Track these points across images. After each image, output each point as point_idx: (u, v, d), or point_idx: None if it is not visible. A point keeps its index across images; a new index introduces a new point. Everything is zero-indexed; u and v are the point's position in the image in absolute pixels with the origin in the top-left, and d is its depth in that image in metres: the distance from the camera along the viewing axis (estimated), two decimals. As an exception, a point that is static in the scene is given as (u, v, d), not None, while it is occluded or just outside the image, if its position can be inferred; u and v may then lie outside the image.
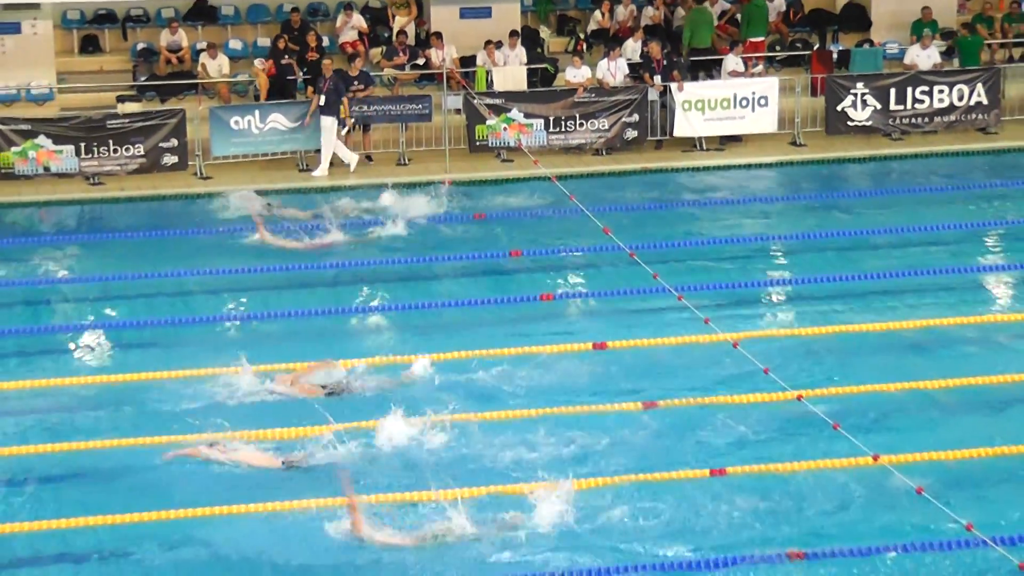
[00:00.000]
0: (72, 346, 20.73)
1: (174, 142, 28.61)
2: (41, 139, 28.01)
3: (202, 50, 31.13)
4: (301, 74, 30.15)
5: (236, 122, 28.96)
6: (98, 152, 28.31)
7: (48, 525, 15.34)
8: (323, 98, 28.50)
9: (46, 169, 28.11)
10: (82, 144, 28.20)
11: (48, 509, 15.73)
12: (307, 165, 29.01)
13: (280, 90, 29.95)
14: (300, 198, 27.45)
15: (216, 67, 30.75)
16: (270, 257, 24.10)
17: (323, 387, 18.44)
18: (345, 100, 28.65)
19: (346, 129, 28.96)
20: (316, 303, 21.96)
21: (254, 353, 19.32)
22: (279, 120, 29.01)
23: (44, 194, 27.74)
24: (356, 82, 29.51)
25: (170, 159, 28.61)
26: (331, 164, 28.74)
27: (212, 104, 29.91)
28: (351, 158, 28.90)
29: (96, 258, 24.64)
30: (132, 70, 31.46)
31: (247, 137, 28.99)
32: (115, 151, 28.32)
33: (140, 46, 31.82)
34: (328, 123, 28.58)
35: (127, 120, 28.68)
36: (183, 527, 15.32)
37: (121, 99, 30.30)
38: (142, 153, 28.48)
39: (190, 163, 28.81)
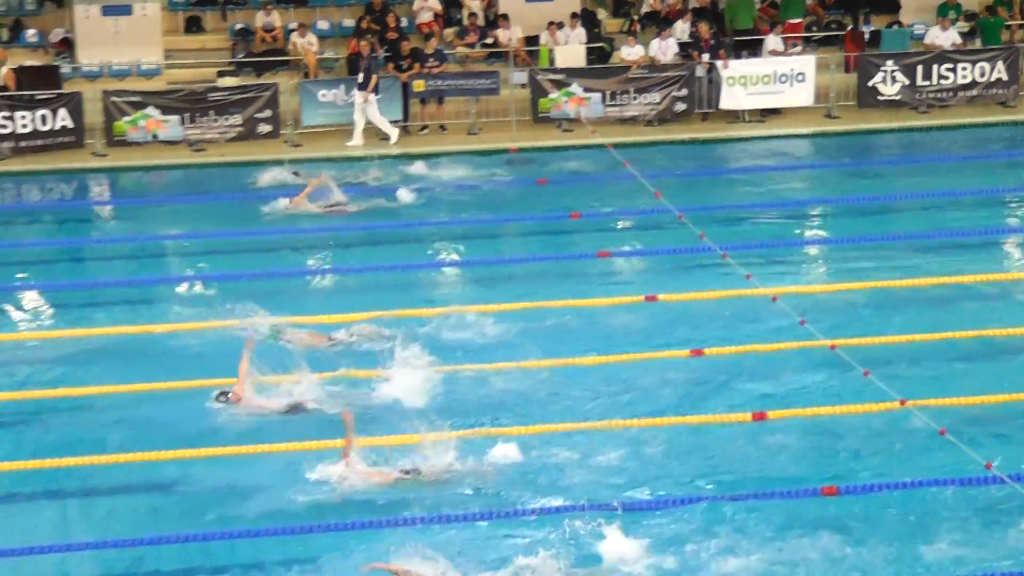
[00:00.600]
0: (172, 296, 20.70)
1: (268, 113, 28.58)
2: (150, 110, 28.05)
3: (293, 30, 31.05)
4: (382, 51, 29.97)
5: (323, 95, 28.92)
6: (200, 121, 28.30)
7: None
8: (360, 76, 28.29)
9: (154, 137, 28.15)
10: (186, 114, 28.21)
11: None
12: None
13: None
14: (378, 164, 27.32)
15: (306, 45, 30.64)
16: (347, 217, 23.98)
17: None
18: (374, 79, 28.24)
19: (374, 103, 28.50)
20: (396, 257, 21.84)
21: (338, 302, 19.29)
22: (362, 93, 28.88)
23: (152, 159, 27.77)
24: (431, 59, 29.37)
25: (264, 128, 28.59)
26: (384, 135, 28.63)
27: (302, 78, 29.83)
28: (392, 131, 28.62)
29: (196, 218, 24.58)
30: (231, 48, 31.40)
31: (333, 108, 28.91)
32: (215, 121, 28.30)
33: (238, 26, 31.76)
34: (360, 98, 28.30)
35: (226, 93, 28.67)
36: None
37: (221, 74, 30.27)
38: (240, 123, 28.45)
39: (282, 132, 28.76)
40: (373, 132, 28.82)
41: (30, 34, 30.91)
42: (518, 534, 13.29)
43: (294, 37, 30.77)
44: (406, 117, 29.35)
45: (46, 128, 27.71)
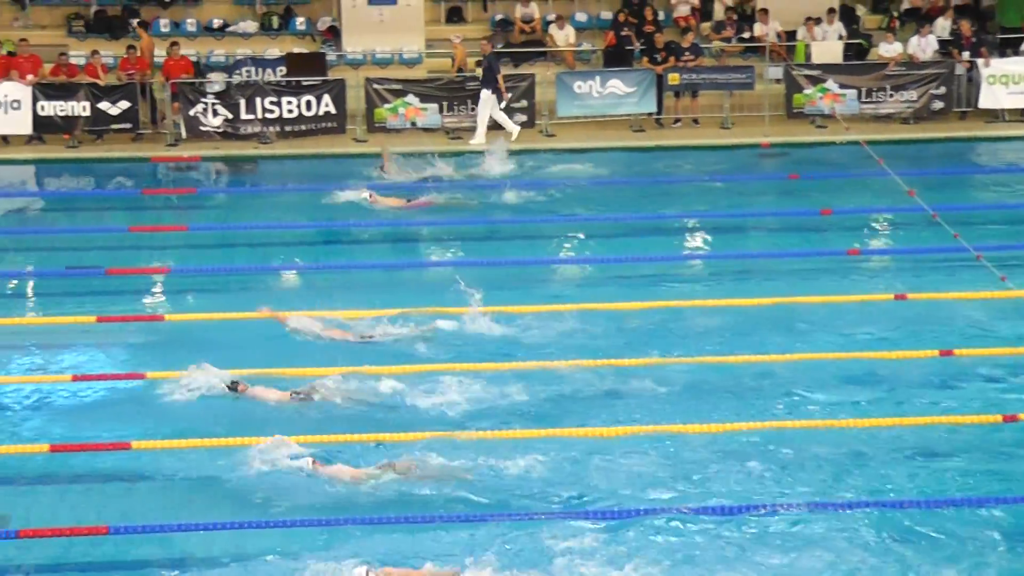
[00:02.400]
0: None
1: (524, 103, 28.91)
2: (410, 97, 28.64)
3: (551, 21, 31.33)
4: (639, 44, 30.06)
5: (579, 86, 29.11)
6: (458, 109, 28.77)
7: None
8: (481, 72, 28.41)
9: (412, 124, 28.71)
10: (444, 103, 28.71)
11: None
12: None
13: (619, 58, 29.93)
14: (627, 156, 27.40)
15: (563, 37, 30.91)
16: (617, 206, 24.14)
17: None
18: (499, 77, 28.19)
19: (504, 104, 28.41)
20: (649, 248, 21.85)
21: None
22: (617, 86, 29.03)
23: (409, 145, 28.30)
24: (687, 52, 29.36)
25: (520, 117, 28.87)
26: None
27: (559, 70, 30.08)
28: (513, 128, 28.49)
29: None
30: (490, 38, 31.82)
31: (588, 100, 29.10)
32: (472, 110, 28.68)
33: (498, 17, 32.18)
34: (484, 95, 28.30)
35: (484, 82, 29.07)
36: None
37: (479, 63, 30.67)
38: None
39: (537, 122, 29.05)
40: (627, 123, 28.96)
41: (299, 22, 31.84)
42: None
43: (552, 29, 31.07)
44: (660, 110, 29.38)
45: (310, 114, 28.51)
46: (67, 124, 28.01)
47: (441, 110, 28.66)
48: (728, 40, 31.06)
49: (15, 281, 20.80)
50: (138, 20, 30.81)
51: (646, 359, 16.93)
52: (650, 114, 29.21)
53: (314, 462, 14.03)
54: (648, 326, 18.20)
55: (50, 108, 27.92)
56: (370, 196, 23.90)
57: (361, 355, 16.81)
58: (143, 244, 22.54)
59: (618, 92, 29.06)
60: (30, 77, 27.82)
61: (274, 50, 30.66)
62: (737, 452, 14.66)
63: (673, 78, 29.11)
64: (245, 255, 21.88)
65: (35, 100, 27.80)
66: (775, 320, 18.42)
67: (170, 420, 15.46)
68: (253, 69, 29.16)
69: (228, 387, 15.83)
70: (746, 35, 30.97)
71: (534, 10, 31.74)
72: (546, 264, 21.46)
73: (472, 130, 28.39)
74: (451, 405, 15.63)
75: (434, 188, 24.78)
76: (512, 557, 12.51)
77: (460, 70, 29.10)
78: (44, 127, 28.09)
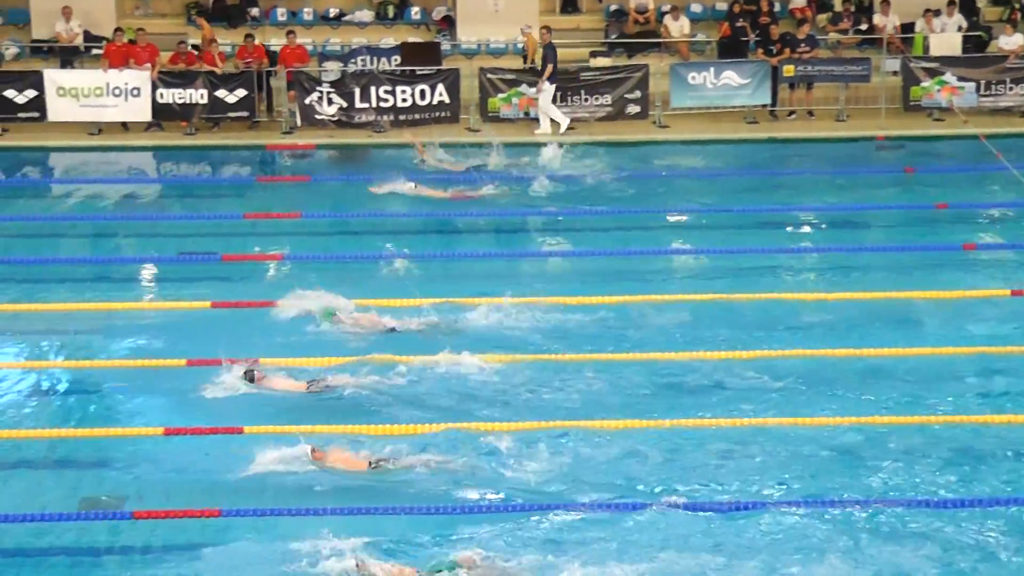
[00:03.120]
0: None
1: (637, 93, 28.84)
2: (523, 87, 28.61)
3: (666, 12, 31.21)
4: (754, 36, 29.85)
5: (693, 77, 28.97)
6: (571, 100, 28.74)
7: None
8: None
9: (526, 114, 28.73)
10: (558, 93, 28.65)
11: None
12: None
13: (734, 50, 29.75)
14: (740, 148, 27.24)
15: (678, 27, 30.79)
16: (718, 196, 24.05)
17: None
18: (549, 68, 28.06)
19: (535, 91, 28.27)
20: (757, 242, 21.75)
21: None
22: (731, 77, 28.85)
23: (521, 136, 28.31)
24: (803, 44, 29.10)
25: (633, 108, 28.85)
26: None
27: (672, 61, 29.97)
28: (563, 120, 28.34)
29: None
30: (604, 29, 31.78)
31: (702, 91, 28.95)
32: (586, 100, 28.70)
33: (612, 7, 32.11)
34: (546, 87, 28.16)
35: (598, 73, 29.07)
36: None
37: (594, 54, 30.68)
38: (609, 103, 28.80)
39: (651, 113, 28.98)
40: (741, 115, 28.80)
41: (414, 11, 31.99)
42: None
43: (667, 19, 30.95)
44: (774, 102, 29.15)
45: (424, 103, 28.64)
46: (185, 112, 28.39)
47: (554, 100, 28.62)
48: (845, 32, 30.74)
49: (132, 266, 21.11)
50: (198, 11, 31.21)
51: (755, 351, 16.84)
52: (764, 106, 29.00)
53: (314, 451, 14.07)
54: (758, 318, 18.08)
55: (169, 96, 28.32)
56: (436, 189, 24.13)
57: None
58: (257, 231, 22.80)
59: (732, 84, 28.88)
60: (147, 66, 28.24)
61: (389, 39, 30.84)
62: (850, 445, 14.54)
63: (788, 70, 28.88)
64: (356, 243, 22.02)
65: (154, 88, 28.21)
66: (888, 315, 18.21)
67: (273, 404, 15.63)
68: (368, 58, 29.34)
69: (244, 376, 15.93)
70: (863, 26, 30.63)
71: (649, 1, 31.62)
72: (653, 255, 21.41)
73: (584, 120, 28.40)
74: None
75: (498, 179, 24.80)
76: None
77: (532, 61, 29.01)
78: (163, 114, 28.50)
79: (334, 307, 17.77)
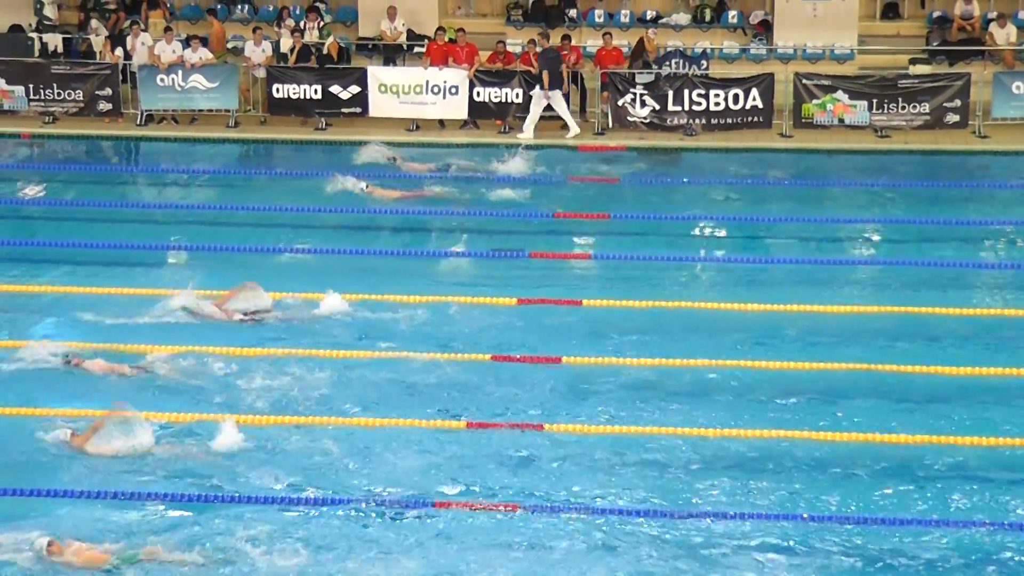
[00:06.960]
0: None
1: (957, 102, 28.20)
2: (839, 94, 28.34)
3: (992, 19, 30.41)
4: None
5: (1018, 87, 28.22)
6: (887, 108, 28.29)
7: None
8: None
9: (840, 121, 28.39)
10: (874, 100, 28.27)
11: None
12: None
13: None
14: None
15: (1004, 35, 29.99)
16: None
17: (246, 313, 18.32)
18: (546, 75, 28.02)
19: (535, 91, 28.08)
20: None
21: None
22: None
23: (837, 142, 27.98)
24: None
25: (952, 118, 28.24)
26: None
27: (996, 69, 29.18)
28: (574, 127, 28.22)
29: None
30: (926, 35, 31.14)
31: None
32: (902, 108, 28.20)
33: (936, 14, 31.43)
34: (554, 94, 28.17)
35: (916, 80, 28.53)
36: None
37: (913, 61, 30.12)
38: (927, 111, 28.24)
39: (970, 122, 28.28)
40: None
41: (731, 15, 31.87)
42: None
43: (992, 27, 30.12)
44: None
45: (737, 107, 28.58)
46: (500, 110, 28.99)
47: (871, 107, 28.21)
48: None
49: (444, 261, 21.69)
50: (208, 7, 31.70)
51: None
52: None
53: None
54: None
55: (485, 94, 28.96)
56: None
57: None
58: (566, 230, 23.15)
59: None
60: (465, 66, 28.96)
61: (704, 42, 30.88)
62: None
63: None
64: (663, 245, 22.18)
65: (471, 86, 28.89)
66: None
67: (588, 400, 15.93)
68: (680, 62, 29.41)
69: (63, 360, 16.71)
70: None
71: (974, 7, 30.84)
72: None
73: (899, 128, 27.96)
74: None
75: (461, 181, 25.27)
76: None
77: (646, 64, 28.63)
78: (479, 112, 29.16)
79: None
